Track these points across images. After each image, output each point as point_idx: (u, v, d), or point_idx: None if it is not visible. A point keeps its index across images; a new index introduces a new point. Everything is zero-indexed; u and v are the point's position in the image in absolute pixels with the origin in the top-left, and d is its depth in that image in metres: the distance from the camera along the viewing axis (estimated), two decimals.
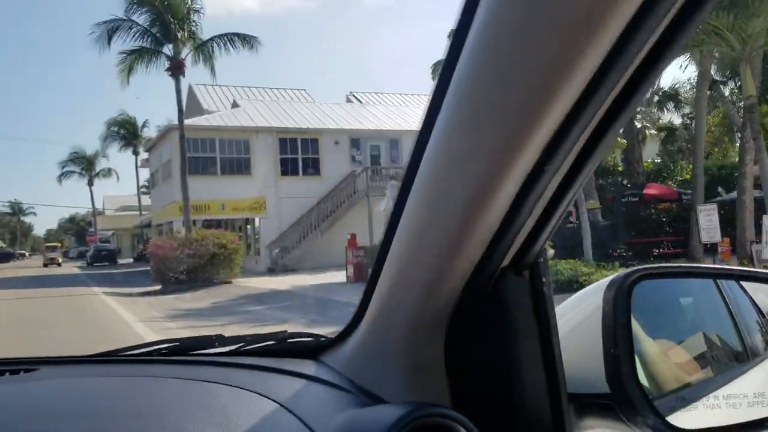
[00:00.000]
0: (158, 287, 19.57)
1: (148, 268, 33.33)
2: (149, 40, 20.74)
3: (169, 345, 1.38)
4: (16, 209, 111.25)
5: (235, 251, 19.34)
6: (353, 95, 37.52)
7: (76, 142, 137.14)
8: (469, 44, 0.68)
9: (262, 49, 24.35)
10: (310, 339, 1.36)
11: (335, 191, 27.28)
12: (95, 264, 45.56)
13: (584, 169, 0.77)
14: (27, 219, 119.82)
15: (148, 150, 33.52)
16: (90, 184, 59.66)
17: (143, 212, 53.36)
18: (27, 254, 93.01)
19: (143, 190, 56.60)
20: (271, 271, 25.25)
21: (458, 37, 0.69)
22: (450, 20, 0.73)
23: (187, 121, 26.21)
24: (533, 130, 0.69)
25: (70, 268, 44.11)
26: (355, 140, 28.85)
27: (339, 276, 18.25)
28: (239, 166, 26.88)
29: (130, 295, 18.11)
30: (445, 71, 0.73)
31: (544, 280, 0.92)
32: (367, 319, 1.08)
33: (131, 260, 54.15)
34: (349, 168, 28.10)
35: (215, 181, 25.60)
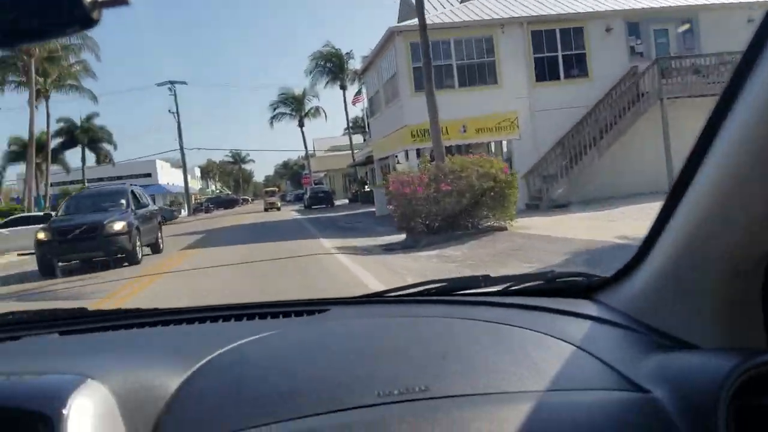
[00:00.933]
0: (402, 237, 14.42)
1: (372, 209, 29.41)
2: None
3: (437, 285, 1.45)
4: (237, 158, 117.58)
5: (508, 184, 13.37)
6: None
7: (284, 83, 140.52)
8: None
9: None
10: (581, 278, 1.35)
11: (611, 97, 20.17)
12: (313, 207, 43.40)
13: None
14: (247, 167, 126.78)
15: (363, 71, 28.57)
16: (300, 125, 58.20)
17: (355, 150, 50.39)
18: (250, 200, 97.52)
19: (353, 130, 53.67)
20: (534, 207, 19.11)
21: None
22: None
23: (410, 22, 20.50)
24: None
25: (289, 212, 42.20)
26: (633, 25, 21.14)
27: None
28: (482, 74, 20.68)
29: (369, 250, 13.07)
30: None
31: None
32: (659, 255, 0.99)
33: (346, 201, 52.26)
34: (628, 64, 20.73)
35: (452, 97, 19.60)
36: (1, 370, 1.06)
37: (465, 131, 20.13)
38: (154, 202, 20.42)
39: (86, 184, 46.77)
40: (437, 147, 14.14)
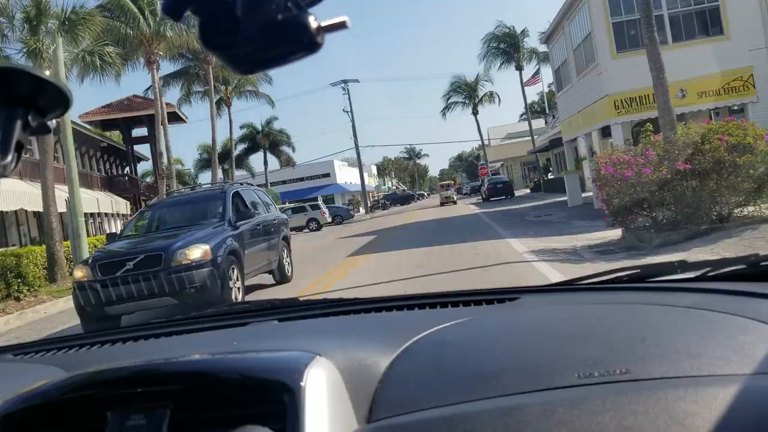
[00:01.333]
0: (615, 234, 11.25)
1: (560, 198, 25.95)
2: None
3: (630, 272, 1.45)
4: (412, 153, 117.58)
5: None
6: None
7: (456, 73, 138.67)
8: None
9: None
10: None
11: None
12: (492, 199, 40.56)
13: None
14: (421, 161, 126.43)
15: (547, 38, 25.12)
16: (474, 112, 55.31)
17: (534, 136, 46.66)
18: (426, 194, 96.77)
19: (529, 115, 49.91)
20: None
21: None
22: None
23: None
24: None
25: (466, 206, 39.74)
26: None
27: None
28: (702, 24, 16.59)
29: (578, 254, 10.09)
30: None
31: None
32: None
33: (527, 191, 48.77)
34: None
35: (664, 55, 15.75)
36: (243, 348, 1.21)
37: (684, 96, 16.15)
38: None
39: (269, 188, 47.79)
40: (665, 114, 10.67)
